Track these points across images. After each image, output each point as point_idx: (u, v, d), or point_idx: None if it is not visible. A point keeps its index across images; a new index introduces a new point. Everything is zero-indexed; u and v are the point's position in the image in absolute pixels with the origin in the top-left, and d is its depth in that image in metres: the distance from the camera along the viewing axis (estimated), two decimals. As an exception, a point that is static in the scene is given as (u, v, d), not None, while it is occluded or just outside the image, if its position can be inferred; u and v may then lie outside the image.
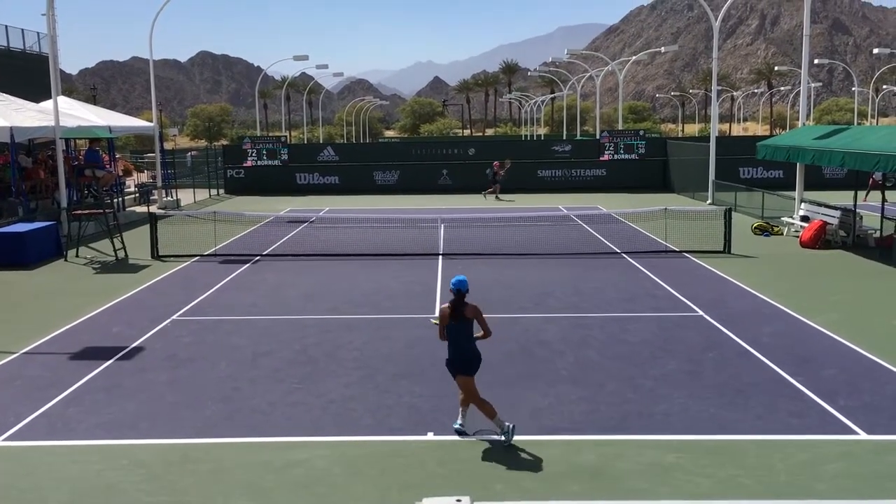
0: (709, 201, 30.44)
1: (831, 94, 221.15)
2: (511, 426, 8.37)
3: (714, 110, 34.91)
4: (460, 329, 8.43)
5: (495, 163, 35.35)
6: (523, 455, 8.07)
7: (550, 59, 63.84)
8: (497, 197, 34.62)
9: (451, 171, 39.08)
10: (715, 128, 32.78)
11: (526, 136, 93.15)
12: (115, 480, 7.61)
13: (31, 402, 9.74)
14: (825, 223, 21.06)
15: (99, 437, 8.66)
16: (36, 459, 8.16)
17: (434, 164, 39.26)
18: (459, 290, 8.38)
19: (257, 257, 20.01)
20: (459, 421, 8.65)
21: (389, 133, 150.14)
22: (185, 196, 35.26)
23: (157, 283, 17.16)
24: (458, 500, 2.21)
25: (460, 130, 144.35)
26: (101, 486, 7.52)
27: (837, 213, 21.31)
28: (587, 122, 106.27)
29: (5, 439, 8.66)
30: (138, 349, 11.99)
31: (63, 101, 27.94)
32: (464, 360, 8.41)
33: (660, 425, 8.81)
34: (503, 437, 8.34)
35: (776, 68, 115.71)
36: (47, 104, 26.17)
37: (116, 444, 8.49)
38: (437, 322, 8.78)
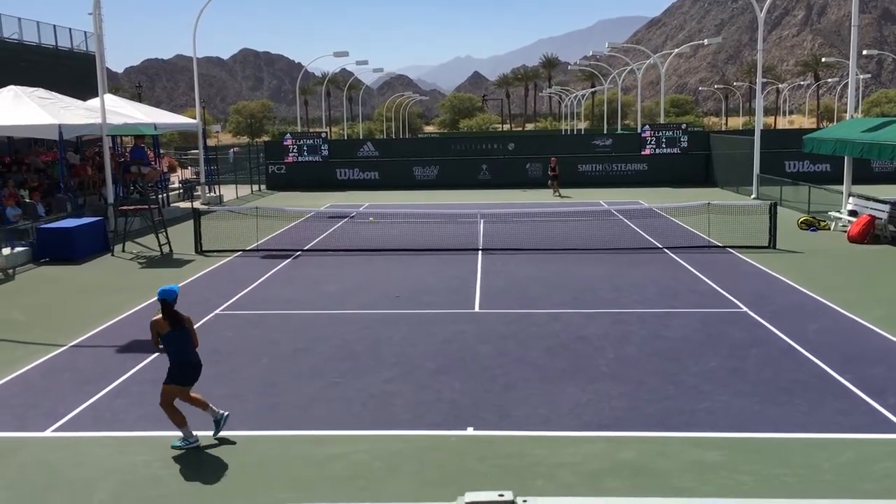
0: (753, 196, 29.94)
1: (880, 86, 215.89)
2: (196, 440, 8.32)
3: (759, 103, 34.32)
4: (181, 336, 8.38)
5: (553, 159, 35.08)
6: (563, 451, 8.03)
7: (591, 53, 63.18)
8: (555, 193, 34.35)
9: (490, 167, 39.00)
10: (760, 121, 32.23)
11: (566, 130, 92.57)
12: (161, 471, 7.75)
13: (79, 393, 9.97)
14: (874, 217, 20.58)
15: (145, 429, 8.83)
16: (84, 450, 8.35)
17: (473, 160, 39.20)
18: (165, 300, 8.31)
19: (298, 252, 20.19)
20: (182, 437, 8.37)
21: (429, 128, 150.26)
22: (228, 192, 35.72)
23: (201, 277, 17.42)
24: (501, 495, 2.19)
25: (500, 125, 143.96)
26: (147, 476, 7.67)
27: (887, 208, 20.79)
28: (628, 116, 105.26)
29: (55, 430, 8.87)
30: (182, 343, 12.15)
31: (109, 98, 28.48)
32: (192, 367, 8.39)
33: (702, 422, 8.70)
34: (187, 443, 8.29)
35: (823, 60, 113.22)
36: (94, 102, 26.69)
37: (162, 435, 8.64)
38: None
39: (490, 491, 2.25)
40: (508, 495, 2.23)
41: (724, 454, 7.88)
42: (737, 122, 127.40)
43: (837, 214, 22.91)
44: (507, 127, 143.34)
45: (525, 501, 2.23)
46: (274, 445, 8.36)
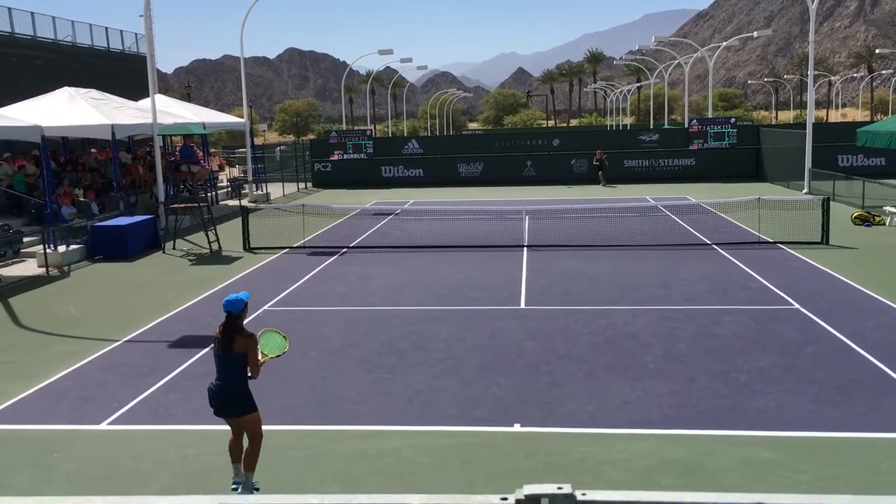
0: (805, 190, 29.30)
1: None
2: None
3: (810, 96, 33.53)
4: (226, 361, 6.90)
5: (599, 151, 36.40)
6: (611, 448, 7.96)
7: (637, 48, 62.64)
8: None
9: (535, 163, 38.81)
10: (811, 114, 31.51)
11: (611, 126, 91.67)
12: (213, 465, 7.86)
13: (132, 388, 10.17)
14: (932, 212, 20.00)
15: (196, 423, 8.96)
16: (138, 443, 8.52)
17: (518, 156, 39.04)
18: (230, 312, 6.84)
19: (344, 249, 20.33)
20: (236, 478, 7.19)
21: (473, 125, 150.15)
22: (275, 190, 36.13)
23: (249, 274, 17.65)
24: (560, 488, 2.18)
25: (544, 121, 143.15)
26: (199, 469, 7.79)
27: (946, 202, 20.20)
28: (675, 110, 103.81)
29: (110, 423, 9.06)
30: (232, 338, 12.33)
31: (160, 99, 29.02)
32: (227, 400, 6.92)
33: (755, 421, 8.54)
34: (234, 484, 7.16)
35: (877, 51, 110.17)
36: (145, 102, 27.22)
37: (213, 429, 8.74)
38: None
39: (549, 483, 2.23)
40: (567, 487, 2.21)
41: (777, 453, 7.72)
42: (787, 115, 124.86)
43: (893, 209, 22.31)
44: (551, 123, 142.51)
45: (584, 494, 2.21)
46: (323, 440, 8.42)
